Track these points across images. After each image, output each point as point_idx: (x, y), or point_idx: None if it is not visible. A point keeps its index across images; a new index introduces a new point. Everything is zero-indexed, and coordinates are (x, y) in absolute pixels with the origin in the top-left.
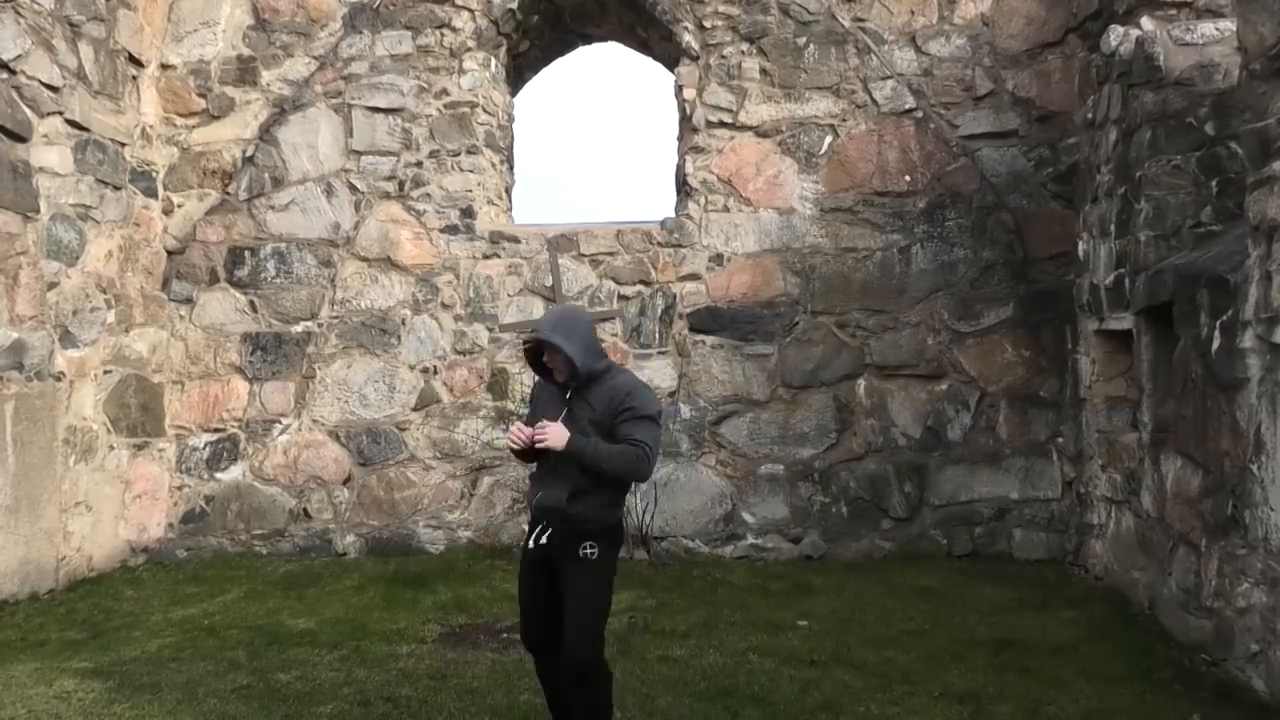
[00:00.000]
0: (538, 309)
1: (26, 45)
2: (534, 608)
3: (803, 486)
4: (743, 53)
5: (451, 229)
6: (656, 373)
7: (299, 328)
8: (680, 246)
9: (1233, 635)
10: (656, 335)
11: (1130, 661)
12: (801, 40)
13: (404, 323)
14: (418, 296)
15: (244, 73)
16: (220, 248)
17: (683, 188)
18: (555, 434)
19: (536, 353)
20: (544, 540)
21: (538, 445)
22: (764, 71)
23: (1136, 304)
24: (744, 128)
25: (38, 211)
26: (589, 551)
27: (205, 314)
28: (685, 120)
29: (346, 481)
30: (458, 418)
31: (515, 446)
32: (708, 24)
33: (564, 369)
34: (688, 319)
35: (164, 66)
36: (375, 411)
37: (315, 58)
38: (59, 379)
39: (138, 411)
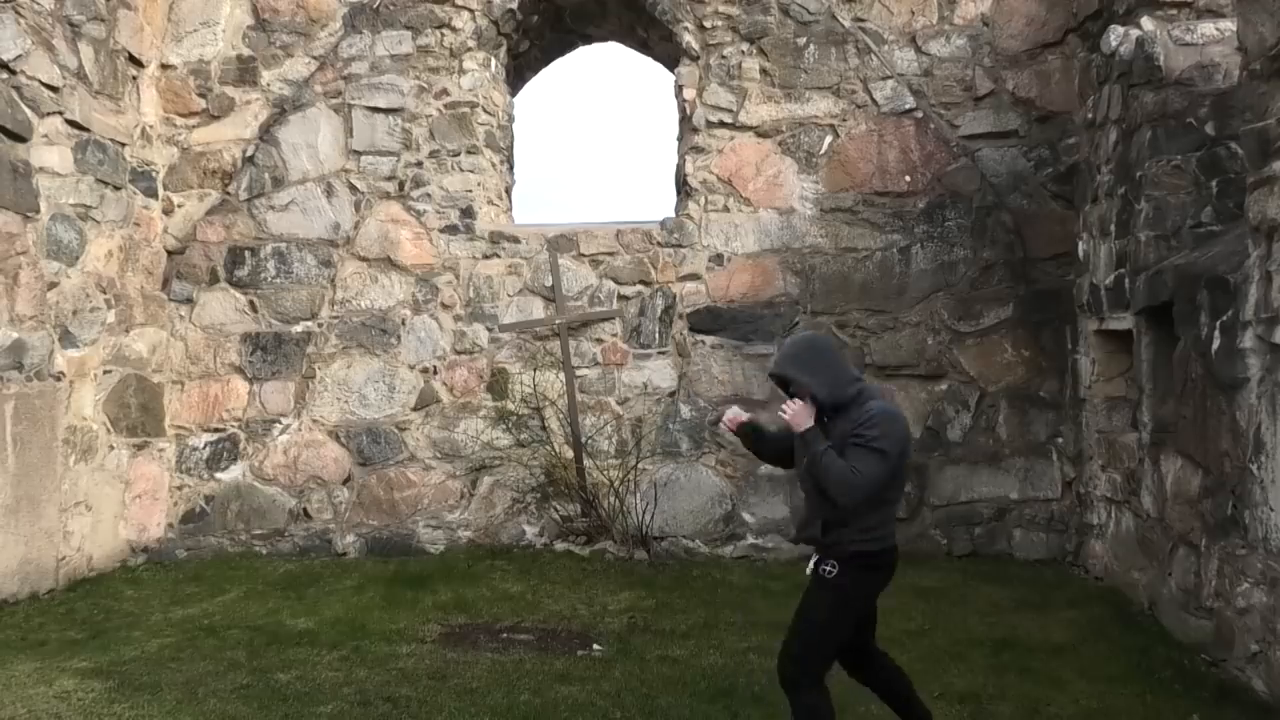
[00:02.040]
0: (538, 309)
1: (27, 45)
2: None
3: None
4: (743, 53)
5: (451, 229)
6: (656, 373)
7: (299, 328)
8: (680, 246)
9: (1233, 635)
10: (656, 335)
11: (1130, 662)
12: (802, 40)
13: (404, 323)
14: (417, 296)
15: (244, 73)
16: (220, 248)
17: (683, 188)
18: (799, 414)
19: (784, 380)
20: (809, 568)
21: (782, 415)
22: (764, 71)
23: (1136, 304)
24: (744, 128)
25: (38, 211)
26: (826, 569)
27: (205, 314)
28: (685, 120)
29: (346, 481)
30: (458, 418)
31: (731, 430)
32: (708, 24)
33: (810, 400)
34: (688, 319)
35: (164, 66)
36: (375, 411)
37: (315, 58)
38: (59, 379)
39: (138, 411)
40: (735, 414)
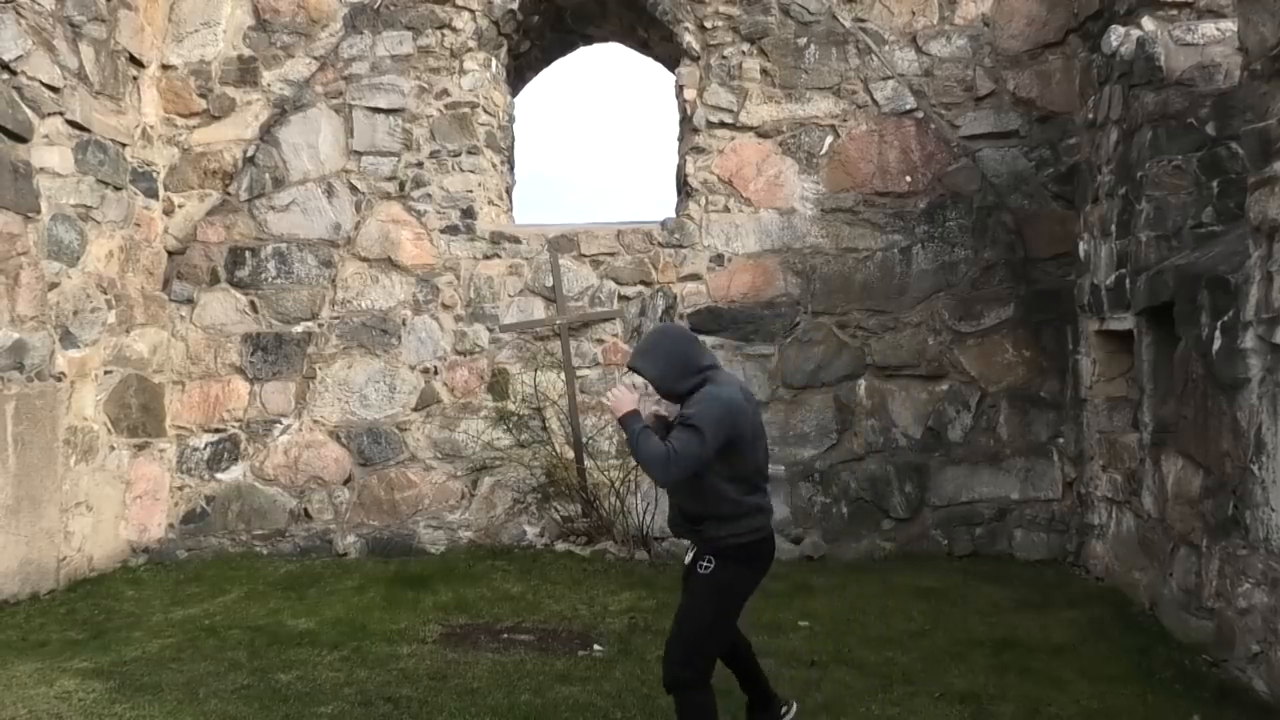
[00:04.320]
0: (538, 309)
1: (27, 45)
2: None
3: (803, 487)
4: (743, 53)
5: (452, 229)
6: None
7: (299, 328)
8: (681, 247)
9: (1234, 636)
10: None
11: (1131, 662)
12: (802, 40)
13: (404, 323)
14: (418, 297)
15: (245, 73)
16: (221, 248)
17: (683, 188)
18: (616, 398)
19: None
20: (688, 558)
21: (605, 401)
22: (765, 72)
23: (1137, 304)
24: (744, 128)
25: (38, 212)
26: (704, 565)
27: (206, 314)
28: (686, 120)
29: (347, 482)
30: (458, 418)
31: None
32: (708, 24)
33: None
34: (688, 319)
35: (165, 67)
36: (376, 412)
37: (316, 58)
38: (60, 379)
39: (138, 411)
40: (618, 398)
